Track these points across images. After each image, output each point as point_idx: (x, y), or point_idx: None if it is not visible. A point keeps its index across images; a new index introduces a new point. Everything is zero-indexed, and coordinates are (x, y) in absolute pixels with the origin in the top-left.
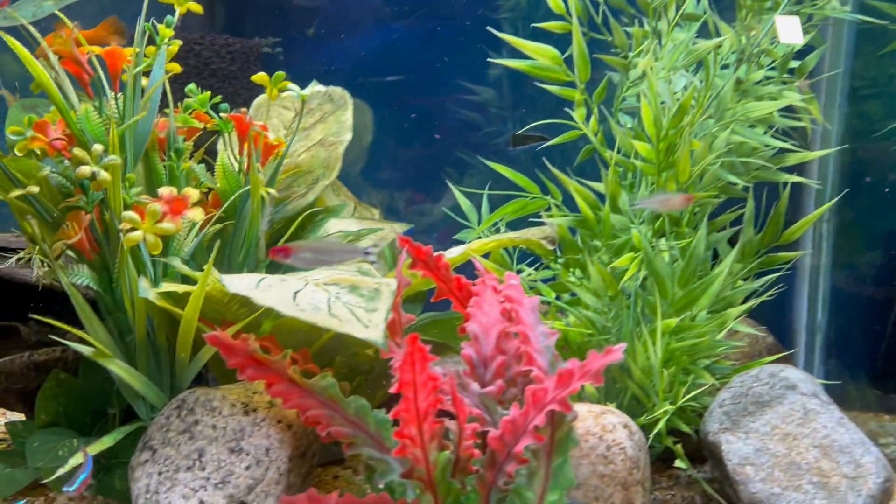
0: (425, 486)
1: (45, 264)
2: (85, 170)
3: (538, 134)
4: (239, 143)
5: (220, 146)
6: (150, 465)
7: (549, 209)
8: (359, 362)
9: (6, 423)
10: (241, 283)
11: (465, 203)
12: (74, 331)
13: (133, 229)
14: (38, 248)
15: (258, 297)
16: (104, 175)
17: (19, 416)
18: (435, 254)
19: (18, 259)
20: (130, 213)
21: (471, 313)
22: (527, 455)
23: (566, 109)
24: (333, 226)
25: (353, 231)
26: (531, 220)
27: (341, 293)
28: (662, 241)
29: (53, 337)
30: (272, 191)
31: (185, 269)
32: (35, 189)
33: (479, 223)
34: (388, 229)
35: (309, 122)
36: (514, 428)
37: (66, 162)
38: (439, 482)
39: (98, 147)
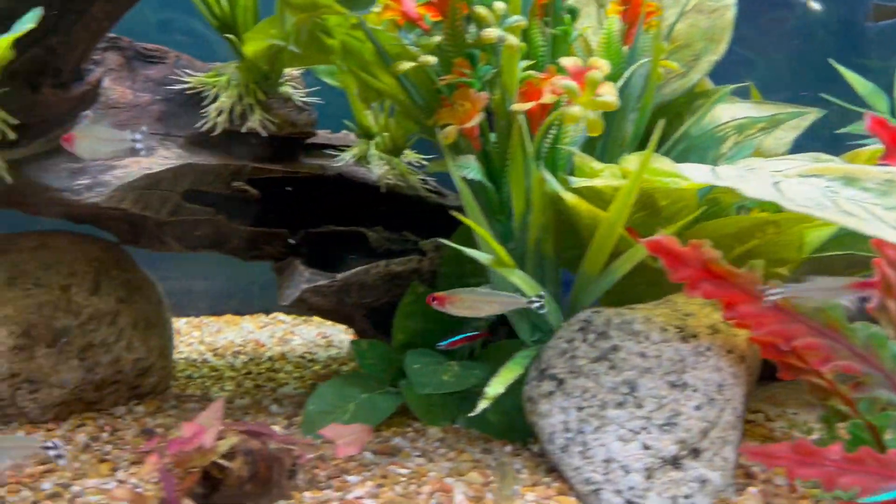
0: None
1: (387, 162)
2: (491, 33)
3: None
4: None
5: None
6: (561, 398)
7: None
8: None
9: (351, 342)
10: (702, 174)
11: None
12: (460, 247)
13: (552, 106)
14: (373, 142)
15: (743, 187)
16: (512, 40)
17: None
18: None
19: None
20: (567, 82)
21: None
22: None
23: None
24: (724, 112)
25: (755, 118)
26: None
27: (834, 185)
28: None
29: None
30: (674, 65)
31: (588, 161)
32: (409, 65)
33: None
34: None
35: None
36: None
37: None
38: None
39: (500, 5)
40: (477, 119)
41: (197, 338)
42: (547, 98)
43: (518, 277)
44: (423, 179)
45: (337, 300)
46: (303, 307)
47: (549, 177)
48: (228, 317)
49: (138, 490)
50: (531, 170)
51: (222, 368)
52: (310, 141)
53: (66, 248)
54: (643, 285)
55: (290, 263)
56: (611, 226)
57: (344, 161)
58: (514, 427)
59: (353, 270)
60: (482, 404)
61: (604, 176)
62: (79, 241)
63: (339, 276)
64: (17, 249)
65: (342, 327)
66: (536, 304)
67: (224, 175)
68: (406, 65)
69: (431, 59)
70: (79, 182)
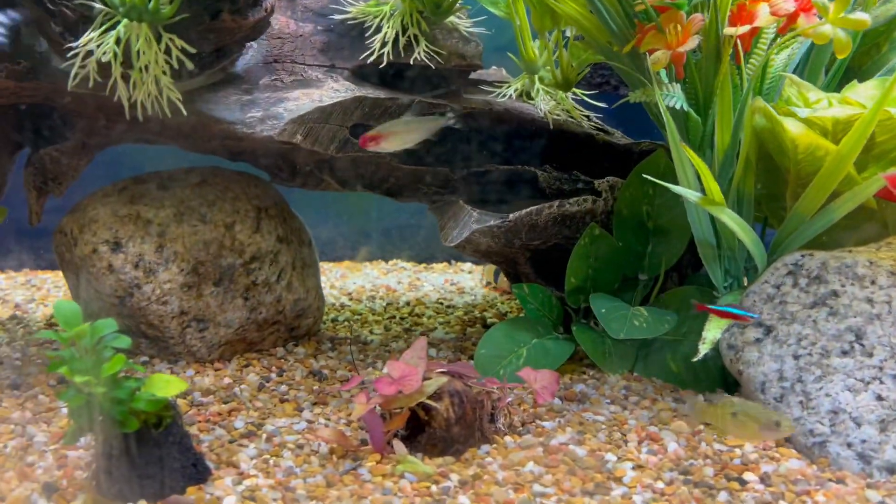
0: None
1: (553, 97)
2: None
3: None
4: None
5: None
6: (772, 345)
7: None
8: None
9: (513, 286)
10: None
11: None
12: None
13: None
14: (537, 76)
15: None
16: None
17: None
18: None
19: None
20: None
21: None
22: None
23: None
24: None
25: None
26: None
27: None
28: None
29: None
30: None
31: (805, 90)
32: None
33: None
34: None
35: None
36: None
37: None
38: None
39: None
40: (692, 43)
41: (326, 282)
42: (763, 20)
43: (728, 216)
44: (586, 116)
45: (505, 241)
46: (468, 248)
47: (768, 107)
48: (348, 263)
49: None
50: (742, 100)
51: (364, 312)
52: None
53: (227, 186)
54: (841, 230)
55: (451, 203)
56: (840, 161)
57: (507, 96)
58: (697, 376)
59: (525, 211)
60: (703, 348)
61: (822, 106)
62: (238, 179)
63: (511, 216)
64: (180, 185)
65: (468, 274)
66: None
67: (392, 109)
68: None
69: None
70: (251, 115)
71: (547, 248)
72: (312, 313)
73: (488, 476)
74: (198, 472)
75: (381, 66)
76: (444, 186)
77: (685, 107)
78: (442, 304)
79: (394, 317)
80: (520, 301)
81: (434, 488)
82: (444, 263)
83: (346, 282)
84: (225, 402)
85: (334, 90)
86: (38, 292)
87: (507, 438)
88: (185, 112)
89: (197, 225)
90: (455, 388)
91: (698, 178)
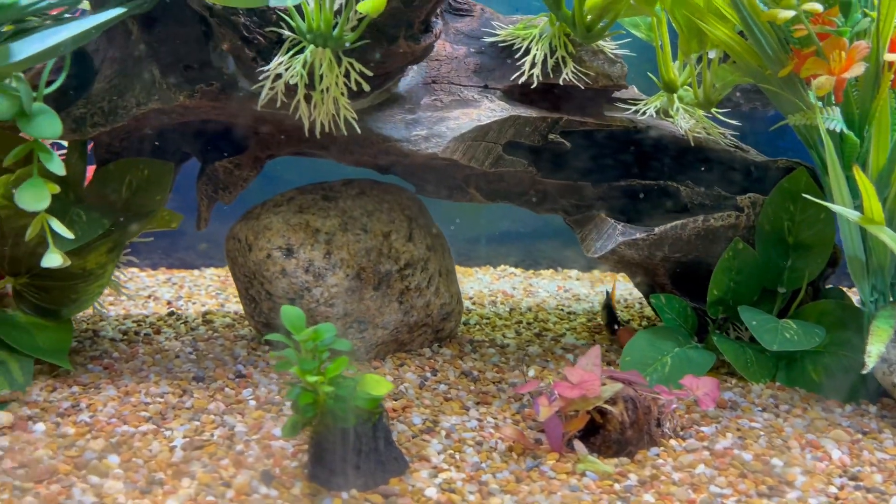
0: None
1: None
2: None
3: None
4: None
5: None
6: None
7: None
8: None
9: (651, 296)
10: None
11: None
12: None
13: None
14: (676, 95)
15: None
16: None
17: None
18: None
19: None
20: None
21: None
22: None
23: None
24: None
25: None
26: None
27: None
28: None
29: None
30: None
31: None
32: (789, 13)
33: None
34: None
35: None
36: None
37: None
38: None
39: None
40: (858, 69)
41: None
42: None
43: (888, 235)
44: (722, 133)
45: (648, 254)
46: (611, 259)
47: None
48: (459, 268)
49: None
50: None
51: (491, 317)
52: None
53: (382, 197)
54: None
55: (593, 217)
56: None
57: (647, 114)
58: (840, 387)
59: (671, 225)
60: (870, 362)
61: None
62: (391, 190)
63: (657, 230)
64: (343, 196)
65: (578, 281)
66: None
67: (541, 127)
68: (785, 13)
69: (817, 6)
70: (416, 133)
71: (688, 260)
72: (455, 317)
73: (664, 477)
74: (398, 465)
75: (532, 87)
76: (584, 199)
77: (844, 129)
78: (562, 310)
79: (520, 321)
80: (657, 311)
81: (617, 486)
82: (551, 270)
83: (463, 286)
84: (395, 399)
85: (490, 109)
86: (182, 290)
87: (673, 442)
88: (358, 130)
89: (359, 234)
90: (628, 394)
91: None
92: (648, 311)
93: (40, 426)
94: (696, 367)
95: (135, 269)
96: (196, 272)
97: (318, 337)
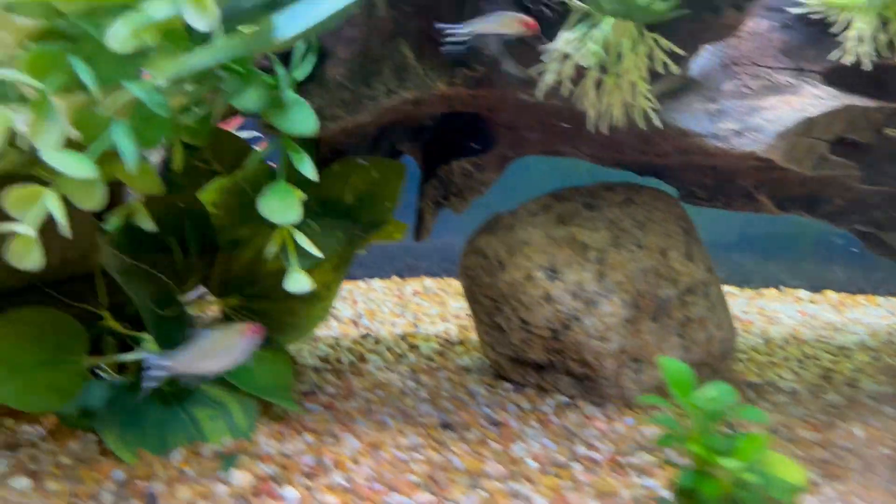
0: None
1: None
2: None
3: None
4: None
5: None
6: None
7: None
8: None
9: None
10: None
11: None
12: None
13: None
14: None
15: None
16: None
17: None
18: None
19: None
20: None
21: None
22: None
23: None
24: None
25: None
26: None
27: None
28: None
29: None
30: None
31: None
32: None
33: None
34: None
35: None
36: None
37: None
38: None
39: None
40: None
41: None
42: None
43: None
44: None
45: None
46: None
47: None
48: None
49: None
50: None
51: (745, 349)
52: None
53: (653, 205)
54: None
55: None
56: None
57: None
58: None
59: None
60: None
61: None
62: (659, 196)
63: None
64: (608, 204)
65: (814, 304)
66: None
67: (877, 119)
68: None
69: None
70: (724, 126)
71: None
72: (731, 354)
73: None
74: None
75: (860, 69)
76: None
77: None
78: (825, 342)
79: (786, 357)
80: None
81: None
82: (773, 289)
83: None
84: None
85: (816, 97)
86: (356, 305)
87: None
88: (658, 123)
89: (634, 251)
90: None
91: None
92: None
93: (291, 492)
94: None
95: None
96: (362, 284)
97: (719, 402)
